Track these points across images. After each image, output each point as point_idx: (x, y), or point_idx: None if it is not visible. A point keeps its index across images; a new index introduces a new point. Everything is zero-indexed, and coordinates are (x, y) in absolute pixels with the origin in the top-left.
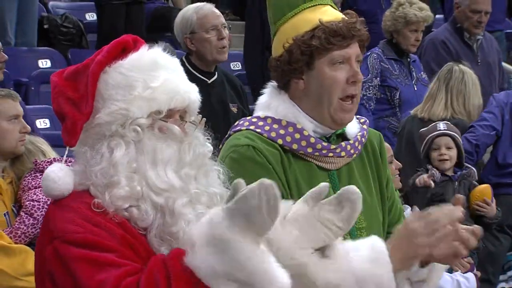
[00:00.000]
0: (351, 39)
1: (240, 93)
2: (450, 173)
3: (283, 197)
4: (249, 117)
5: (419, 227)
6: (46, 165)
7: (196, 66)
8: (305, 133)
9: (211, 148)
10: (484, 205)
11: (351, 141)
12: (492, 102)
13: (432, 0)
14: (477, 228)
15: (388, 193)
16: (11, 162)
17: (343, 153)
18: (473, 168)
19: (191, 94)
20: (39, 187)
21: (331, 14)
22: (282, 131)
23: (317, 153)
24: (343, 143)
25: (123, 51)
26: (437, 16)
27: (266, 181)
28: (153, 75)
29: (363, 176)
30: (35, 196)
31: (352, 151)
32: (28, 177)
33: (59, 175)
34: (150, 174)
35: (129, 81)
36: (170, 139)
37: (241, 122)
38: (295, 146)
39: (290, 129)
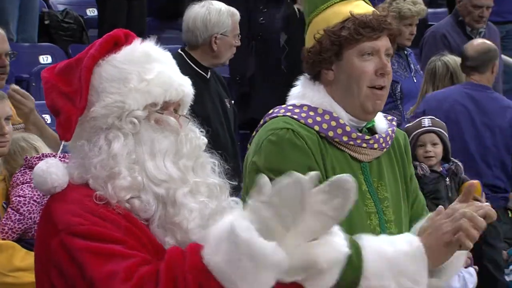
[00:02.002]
0: (380, 32)
1: (227, 89)
2: (438, 168)
3: (320, 182)
4: (284, 105)
5: (442, 219)
6: (35, 161)
7: (195, 61)
8: (341, 121)
9: (206, 141)
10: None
11: (383, 135)
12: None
13: None
14: (490, 209)
15: (412, 187)
16: (4, 159)
17: (375, 145)
18: (459, 163)
19: (185, 87)
20: (26, 183)
21: (362, 8)
22: (318, 118)
23: (351, 142)
24: (376, 135)
25: (115, 45)
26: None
27: (297, 175)
28: (147, 67)
29: (390, 171)
30: (21, 192)
31: (383, 144)
32: (18, 174)
33: (52, 169)
34: (149, 165)
35: (123, 74)
36: (167, 131)
37: (277, 109)
38: (331, 134)
39: (327, 117)
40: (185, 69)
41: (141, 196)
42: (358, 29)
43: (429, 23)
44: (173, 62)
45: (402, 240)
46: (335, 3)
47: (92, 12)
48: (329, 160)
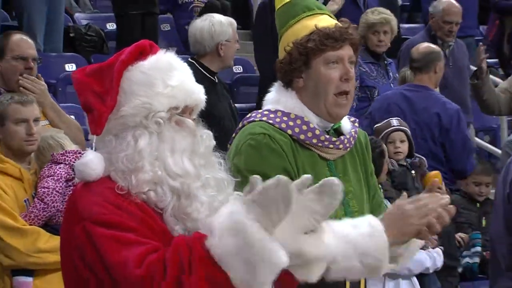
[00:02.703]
0: (343, 42)
1: (229, 92)
2: (404, 162)
3: (293, 179)
4: (261, 110)
5: (411, 210)
6: (59, 157)
7: (205, 67)
8: (311, 125)
9: (214, 142)
10: (438, 190)
11: (347, 136)
12: None
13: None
14: (451, 207)
15: (372, 183)
16: (35, 155)
17: (341, 146)
18: (422, 157)
19: (201, 94)
20: (50, 176)
21: (326, 21)
22: (291, 123)
23: (320, 144)
24: (341, 137)
25: (141, 54)
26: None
27: (283, 178)
28: (170, 75)
29: (353, 167)
30: (46, 184)
31: (347, 145)
32: (45, 168)
33: (95, 161)
34: (169, 161)
35: (149, 79)
36: (186, 132)
37: (254, 114)
38: (302, 137)
39: (298, 121)
40: (197, 74)
41: (157, 188)
42: (323, 40)
43: (406, 37)
44: (190, 72)
45: (365, 223)
46: (302, 18)
47: (111, 26)
48: (300, 160)
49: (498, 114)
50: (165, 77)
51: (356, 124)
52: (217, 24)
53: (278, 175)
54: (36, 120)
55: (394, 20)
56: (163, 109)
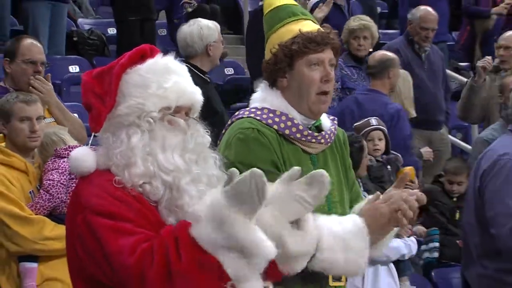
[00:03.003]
0: (324, 46)
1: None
2: (381, 158)
3: (279, 171)
4: (248, 108)
5: (385, 207)
6: (63, 151)
7: (197, 67)
8: (295, 121)
9: (209, 139)
10: (410, 183)
11: (328, 132)
12: None
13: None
14: (422, 196)
15: (350, 175)
16: (38, 150)
17: (322, 140)
18: (398, 154)
19: (196, 95)
20: (55, 169)
21: (310, 26)
22: (277, 119)
23: (303, 139)
24: (322, 132)
25: (142, 57)
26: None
27: (257, 170)
28: (166, 77)
29: (333, 161)
30: (51, 176)
31: (328, 140)
32: (49, 162)
33: (85, 156)
34: (160, 157)
35: (145, 81)
36: (177, 130)
37: (242, 111)
38: (287, 132)
39: (283, 118)
40: (193, 76)
41: (152, 182)
42: (306, 44)
43: (384, 42)
44: (187, 74)
45: (349, 221)
46: (287, 23)
47: (112, 31)
48: (285, 153)
49: (470, 121)
50: (160, 79)
51: (335, 122)
52: (205, 28)
53: (252, 168)
54: (39, 118)
55: (374, 27)
56: (155, 109)
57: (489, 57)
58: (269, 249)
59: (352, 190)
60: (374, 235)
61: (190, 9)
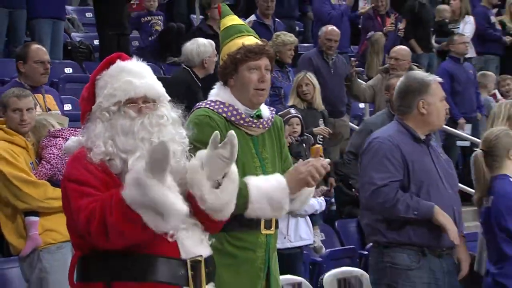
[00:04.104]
0: (261, 55)
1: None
2: (298, 138)
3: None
4: (206, 100)
5: (302, 167)
6: (56, 132)
7: (195, 74)
8: (239, 111)
9: (174, 118)
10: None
11: (266, 119)
12: None
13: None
14: (325, 161)
15: (284, 153)
16: (32, 132)
17: (260, 125)
18: (310, 136)
19: (144, 88)
20: (53, 146)
21: (251, 40)
22: (225, 109)
23: (245, 124)
24: (261, 119)
25: (110, 64)
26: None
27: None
28: (117, 78)
29: (270, 141)
30: (51, 151)
31: (266, 125)
32: (45, 140)
33: (71, 142)
34: (118, 140)
35: (105, 84)
36: (127, 118)
37: (200, 103)
38: (233, 118)
39: (230, 108)
40: (190, 77)
41: (114, 159)
42: (247, 53)
43: (301, 52)
44: (145, 72)
45: (273, 178)
46: (234, 38)
47: (97, 42)
48: None
49: (363, 101)
50: (112, 81)
51: (273, 112)
52: (202, 46)
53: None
54: (29, 109)
55: (296, 40)
56: (109, 104)
57: (354, 59)
58: (178, 207)
59: (285, 162)
60: (292, 188)
61: (158, 27)
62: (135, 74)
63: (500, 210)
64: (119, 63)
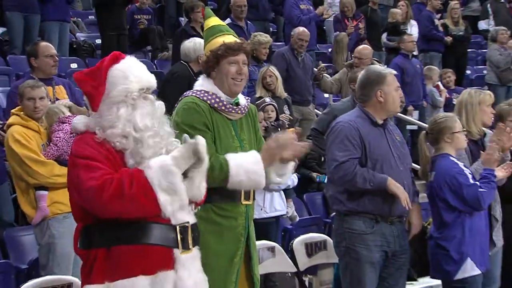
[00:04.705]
0: (239, 51)
1: None
2: (273, 123)
3: (209, 129)
4: (192, 90)
5: (273, 144)
6: (64, 119)
7: (191, 69)
8: (221, 98)
9: (163, 108)
10: None
11: (243, 106)
12: None
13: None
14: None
15: (258, 135)
16: (45, 117)
17: (239, 111)
18: (284, 121)
19: (151, 79)
20: (60, 130)
21: (231, 39)
22: (209, 97)
23: (226, 110)
24: (239, 106)
25: (116, 59)
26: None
27: (198, 140)
28: (135, 69)
29: (247, 125)
30: (58, 135)
31: (243, 111)
32: (55, 125)
33: (79, 120)
34: (137, 120)
35: (125, 74)
36: (149, 103)
37: (188, 92)
38: (216, 105)
39: (214, 96)
40: (188, 71)
41: (127, 137)
42: (226, 50)
43: (274, 49)
44: (144, 68)
45: (249, 154)
46: (216, 36)
47: (98, 41)
48: (214, 119)
49: (331, 93)
50: (133, 71)
51: (249, 101)
52: (198, 44)
53: (196, 135)
54: (42, 98)
55: (271, 40)
56: (135, 90)
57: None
58: (184, 191)
59: (260, 143)
60: (266, 161)
61: (142, 26)
62: (143, 68)
63: (439, 184)
64: (128, 58)
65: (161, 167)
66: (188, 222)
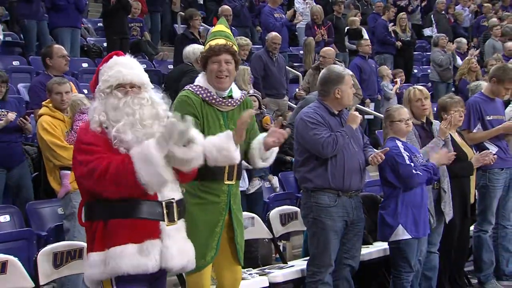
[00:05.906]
0: (220, 52)
1: None
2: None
3: (198, 120)
4: (191, 84)
5: (238, 122)
6: (85, 110)
7: (194, 67)
8: (212, 93)
9: (150, 100)
10: (268, 125)
11: (236, 99)
12: None
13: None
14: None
15: (251, 124)
16: (70, 108)
17: (229, 104)
18: (265, 110)
19: (131, 76)
20: (80, 120)
21: (219, 41)
22: (202, 91)
23: (216, 103)
24: (230, 99)
25: (107, 59)
26: None
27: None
28: (112, 68)
29: (238, 116)
30: (77, 124)
31: (234, 104)
32: (76, 115)
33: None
34: (110, 114)
35: (103, 73)
36: (116, 98)
37: (187, 86)
38: (207, 98)
39: (206, 90)
40: (193, 70)
41: (108, 127)
42: (210, 51)
43: (253, 52)
44: (135, 65)
45: (223, 133)
46: (209, 40)
47: (105, 44)
48: (205, 111)
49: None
50: (108, 70)
51: (244, 94)
52: (197, 48)
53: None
54: (67, 92)
55: (250, 43)
56: (105, 88)
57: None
58: (166, 173)
59: (252, 130)
60: (236, 135)
61: (135, 33)
62: (125, 66)
63: (385, 163)
64: (115, 58)
65: (142, 151)
66: (173, 199)
